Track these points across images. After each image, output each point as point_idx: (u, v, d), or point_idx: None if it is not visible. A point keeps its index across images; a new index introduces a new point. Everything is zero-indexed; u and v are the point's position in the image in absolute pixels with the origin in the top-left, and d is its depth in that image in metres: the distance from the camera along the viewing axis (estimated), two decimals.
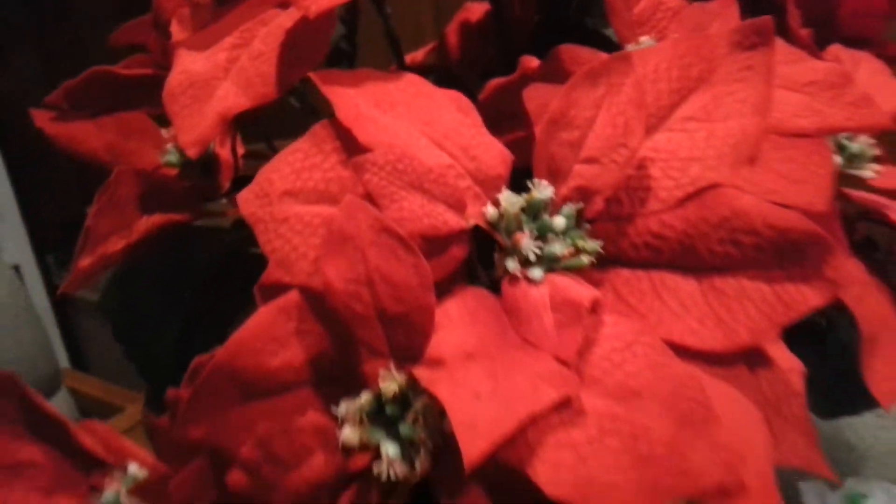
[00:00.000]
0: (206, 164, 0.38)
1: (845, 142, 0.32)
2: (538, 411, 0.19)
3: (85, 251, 0.32)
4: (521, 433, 0.19)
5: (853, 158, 0.32)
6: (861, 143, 0.32)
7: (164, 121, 0.40)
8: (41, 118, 0.37)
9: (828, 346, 0.37)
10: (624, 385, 0.20)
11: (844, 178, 0.33)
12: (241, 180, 0.38)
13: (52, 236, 1.92)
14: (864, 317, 0.27)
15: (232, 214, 0.40)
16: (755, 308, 0.22)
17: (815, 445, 0.23)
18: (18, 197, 1.86)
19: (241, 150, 0.39)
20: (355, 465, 0.22)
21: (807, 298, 0.21)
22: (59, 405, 1.13)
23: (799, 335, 0.44)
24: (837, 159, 0.32)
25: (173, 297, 0.39)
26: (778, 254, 0.22)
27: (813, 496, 0.49)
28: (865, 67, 0.36)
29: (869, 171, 0.32)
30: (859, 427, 0.72)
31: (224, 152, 0.39)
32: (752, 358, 0.23)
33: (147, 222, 0.33)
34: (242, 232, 0.40)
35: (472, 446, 0.18)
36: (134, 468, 0.27)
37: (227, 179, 0.38)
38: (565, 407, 0.19)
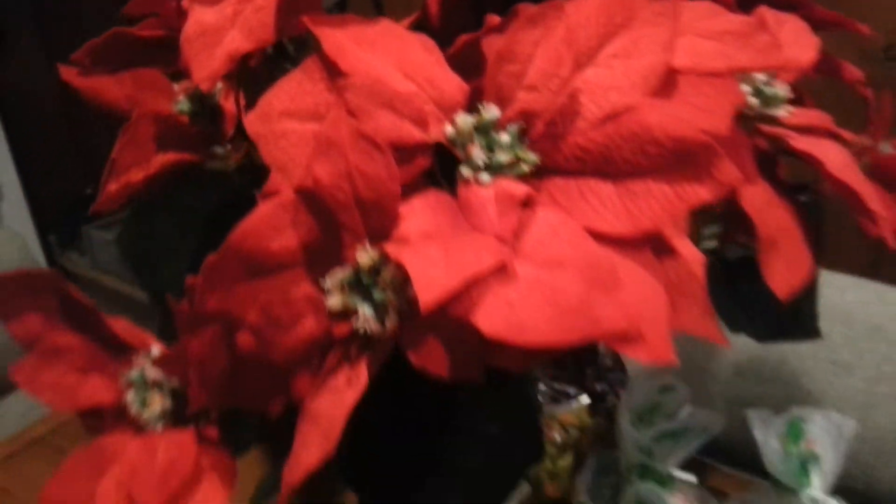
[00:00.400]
0: (212, 114, 0.43)
1: (762, 87, 0.38)
2: (480, 272, 0.24)
3: (111, 178, 0.38)
4: (466, 290, 0.24)
5: (769, 101, 0.38)
6: (776, 88, 0.38)
7: (175, 79, 0.45)
8: (68, 73, 0.43)
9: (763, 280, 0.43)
10: (549, 258, 0.26)
11: (762, 118, 0.38)
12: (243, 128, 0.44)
13: (54, 216, 1.97)
14: (764, 224, 0.33)
15: (235, 160, 0.46)
16: (657, 203, 0.27)
17: (711, 317, 0.29)
18: (22, 178, 1.91)
19: (242, 103, 0.44)
20: (339, 332, 0.27)
21: (699, 194, 0.27)
22: None
23: (737, 270, 0.50)
24: (755, 101, 0.38)
25: (184, 232, 0.44)
26: (676, 159, 0.27)
27: (758, 421, 0.54)
28: (790, 27, 0.41)
29: (783, 112, 0.38)
30: (815, 373, 0.78)
31: (228, 104, 0.44)
32: (660, 248, 0.28)
33: (163, 158, 0.39)
34: (245, 176, 0.46)
35: (428, 294, 0.23)
36: (156, 348, 0.33)
37: (231, 127, 0.44)
38: (501, 271, 0.25)
